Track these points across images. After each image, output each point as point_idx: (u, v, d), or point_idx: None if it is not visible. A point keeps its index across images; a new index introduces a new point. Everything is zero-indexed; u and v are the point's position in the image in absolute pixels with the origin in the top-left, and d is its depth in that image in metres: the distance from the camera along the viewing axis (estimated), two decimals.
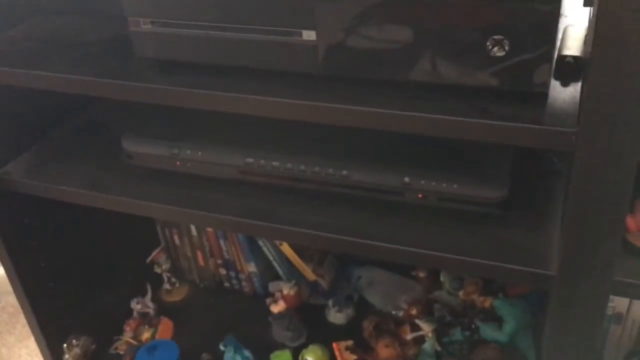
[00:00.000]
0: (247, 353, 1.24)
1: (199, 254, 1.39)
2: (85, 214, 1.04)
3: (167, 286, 1.43)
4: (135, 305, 1.37)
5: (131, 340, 1.32)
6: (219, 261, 1.39)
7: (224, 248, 1.35)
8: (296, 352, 1.24)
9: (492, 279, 1.21)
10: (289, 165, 0.88)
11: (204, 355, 1.27)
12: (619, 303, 1.06)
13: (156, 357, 1.26)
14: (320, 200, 0.89)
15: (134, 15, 0.79)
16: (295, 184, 0.89)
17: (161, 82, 0.81)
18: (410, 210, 0.86)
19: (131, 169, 0.98)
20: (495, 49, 0.67)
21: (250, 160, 0.89)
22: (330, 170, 0.86)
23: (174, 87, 0.80)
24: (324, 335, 1.27)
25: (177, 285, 1.44)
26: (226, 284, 1.42)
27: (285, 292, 1.32)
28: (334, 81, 0.75)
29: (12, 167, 1.04)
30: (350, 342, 1.23)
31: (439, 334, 1.21)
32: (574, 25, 0.78)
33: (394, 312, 1.29)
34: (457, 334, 1.21)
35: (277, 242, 1.28)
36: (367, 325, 1.25)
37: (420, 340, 1.21)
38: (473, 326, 1.21)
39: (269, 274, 1.38)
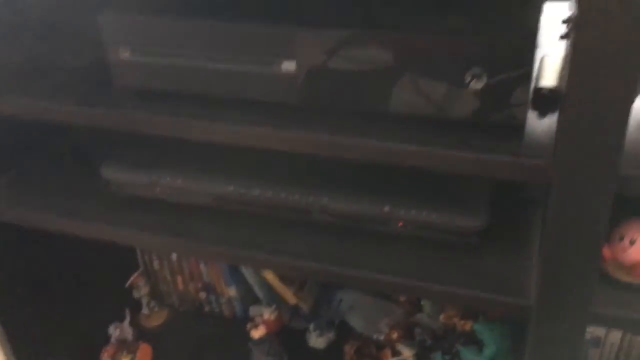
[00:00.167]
0: None
1: (179, 278, 1.38)
2: (62, 238, 1.02)
3: (145, 311, 1.42)
4: (114, 331, 1.35)
5: None
6: (199, 285, 1.38)
7: (204, 272, 1.34)
8: None
9: (471, 307, 1.21)
10: (270, 193, 0.87)
11: None
12: (597, 327, 1.07)
13: None
14: (302, 228, 0.89)
15: (113, 44, 0.78)
16: (275, 212, 0.89)
17: (140, 111, 0.80)
18: (390, 239, 0.86)
19: (110, 196, 0.96)
20: (474, 81, 0.67)
21: (230, 188, 0.89)
22: (311, 199, 0.86)
23: (153, 116, 0.79)
24: None
25: (156, 309, 1.42)
26: (206, 308, 1.41)
27: (266, 316, 1.31)
28: (313, 111, 0.75)
29: None
30: None
31: (419, 358, 1.21)
32: (550, 56, 0.79)
33: (375, 336, 1.28)
34: (437, 358, 1.21)
35: None
36: (349, 350, 1.25)
37: None
38: (454, 350, 1.21)
39: (250, 297, 1.37)
